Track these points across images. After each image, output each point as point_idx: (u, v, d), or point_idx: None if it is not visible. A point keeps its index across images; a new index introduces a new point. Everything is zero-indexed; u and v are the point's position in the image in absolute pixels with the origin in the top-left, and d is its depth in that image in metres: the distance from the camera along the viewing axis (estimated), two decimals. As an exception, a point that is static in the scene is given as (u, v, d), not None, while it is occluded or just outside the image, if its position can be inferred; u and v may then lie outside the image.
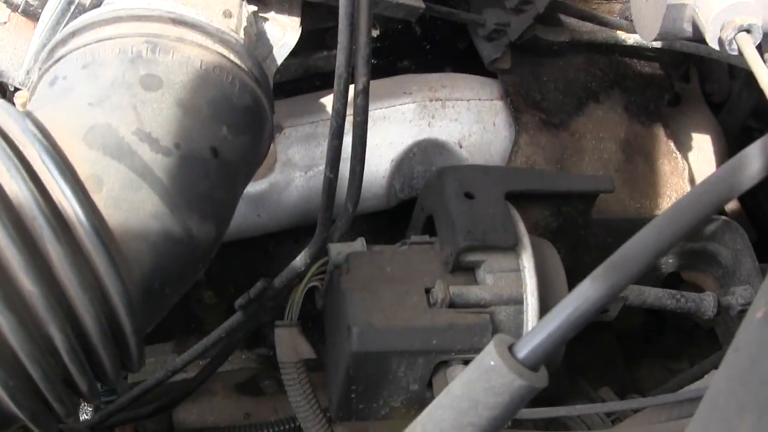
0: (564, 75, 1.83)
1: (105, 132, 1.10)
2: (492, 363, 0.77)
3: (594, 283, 0.76)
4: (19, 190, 0.99)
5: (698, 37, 1.40)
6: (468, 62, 1.89)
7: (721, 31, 1.34)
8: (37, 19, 1.54)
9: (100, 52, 1.20)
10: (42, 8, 1.52)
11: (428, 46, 1.97)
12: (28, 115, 1.09)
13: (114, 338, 1.07)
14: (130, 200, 1.09)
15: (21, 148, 1.03)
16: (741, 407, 0.63)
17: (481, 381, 0.79)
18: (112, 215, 1.06)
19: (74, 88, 1.17)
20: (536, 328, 0.78)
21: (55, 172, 1.02)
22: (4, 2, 1.56)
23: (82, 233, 1.01)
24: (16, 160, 1.01)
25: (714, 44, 1.34)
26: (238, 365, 1.78)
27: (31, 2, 1.53)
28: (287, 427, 1.62)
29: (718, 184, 0.77)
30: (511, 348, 0.78)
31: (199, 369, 1.67)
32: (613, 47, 1.84)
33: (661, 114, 1.86)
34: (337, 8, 1.41)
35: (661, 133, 1.85)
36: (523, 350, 0.77)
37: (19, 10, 1.55)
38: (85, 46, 1.22)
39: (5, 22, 1.57)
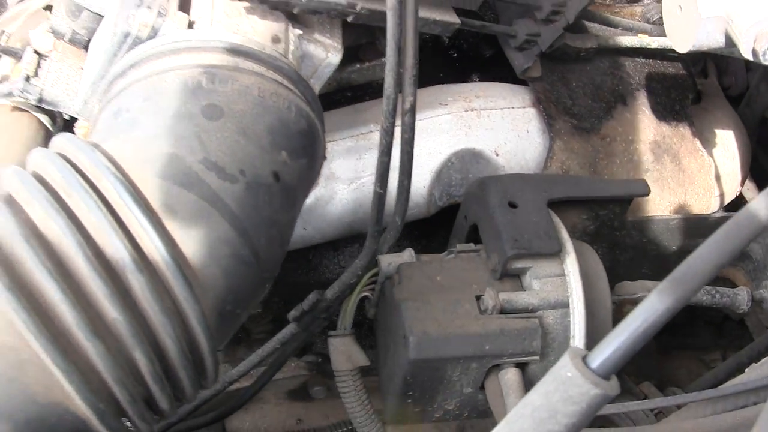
0: (592, 80, 1.88)
1: (173, 162, 1.12)
2: (569, 374, 0.81)
3: (661, 297, 0.80)
4: (98, 224, 1.02)
5: (730, 47, 1.45)
6: (494, 69, 1.95)
7: (754, 42, 1.38)
8: (83, 47, 1.58)
9: (161, 84, 1.22)
10: (88, 37, 1.56)
11: (455, 55, 2.02)
12: (97, 147, 1.11)
13: (192, 359, 1.10)
14: (201, 227, 1.11)
15: (95, 181, 1.06)
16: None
17: (559, 392, 0.83)
18: (185, 242, 1.09)
19: (139, 120, 1.19)
20: (607, 340, 0.82)
21: (132, 204, 1.05)
22: (51, 31, 1.58)
23: (161, 262, 1.04)
24: (93, 194, 1.04)
25: (748, 55, 1.39)
26: (289, 373, 1.81)
27: (78, 31, 1.56)
28: (346, 429, 1.67)
29: None
30: (584, 359, 0.82)
31: (250, 378, 1.68)
32: (638, 51, 1.89)
33: (687, 113, 1.92)
34: (372, 27, 1.48)
35: (687, 132, 1.90)
36: (596, 361, 0.81)
37: (66, 39, 1.58)
38: (145, 78, 1.25)
39: (51, 50, 1.61)
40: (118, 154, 1.12)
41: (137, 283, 1.02)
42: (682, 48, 1.50)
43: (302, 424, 1.75)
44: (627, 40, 1.88)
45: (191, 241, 1.10)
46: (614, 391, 0.82)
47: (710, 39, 1.47)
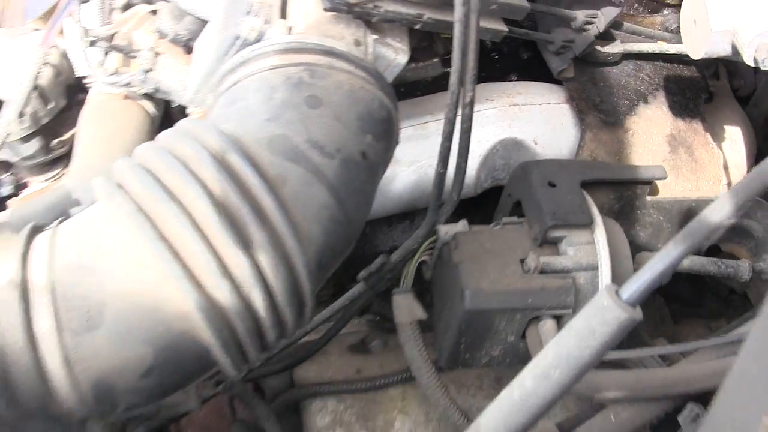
0: (617, 81, 2.02)
1: (283, 142, 1.23)
2: (605, 303, 0.99)
3: (676, 245, 0.99)
4: (225, 189, 1.13)
5: (736, 55, 1.60)
6: (530, 70, 2.10)
7: (756, 52, 1.55)
8: (182, 46, 1.74)
9: (270, 79, 1.35)
10: (188, 37, 1.73)
11: (496, 57, 2.16)
12: (218, 128, 1.22)
13: (296, 300, 1.20)
14: (306, 194, 1.22)
15: (222, 155, 1.17)
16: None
17: (597, 316, 1.00)
18: (294, 206, 1.19)
19: (253, 107, 1.30)
20: (634, 278, 1.01)
21: (252, 174, 1.16)
22: (156, 32, 1.75)
23: (276, 220, 1.15)
24: (219, 165, 1.15)
25: (750, 62, 1.55)
26: (350, 329, 1.91)
27: (179, 32, 1.74)
28: (399, 378, 1.76)
29: (759, 176, 1.04)
30: (617, 292, 1.00)
31: (316, 334, 1.79)
32: (658, 56, 2.03)
33: (699, 111, 2.04)
34: (431, 32, 1.62)
35: (699, 127, 2.02)
36: (626, 294, 1.00)
37: (168, 39, 1.75)
38: (256, 73, 1.38)
39: (152, 48, 1.77)
40: (237, 134, 1.22)
41: (258, 236, 1.13)
42: (696, 55, 1.66)
43: (361, 373, 1.81)
44: (648, 47, 2.01)
45: (299, 205, 1.20)
46: (638, 316, 0.99)
47: (719, 48, 1.62)
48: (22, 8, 2.21)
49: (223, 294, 1.11)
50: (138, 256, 1.11)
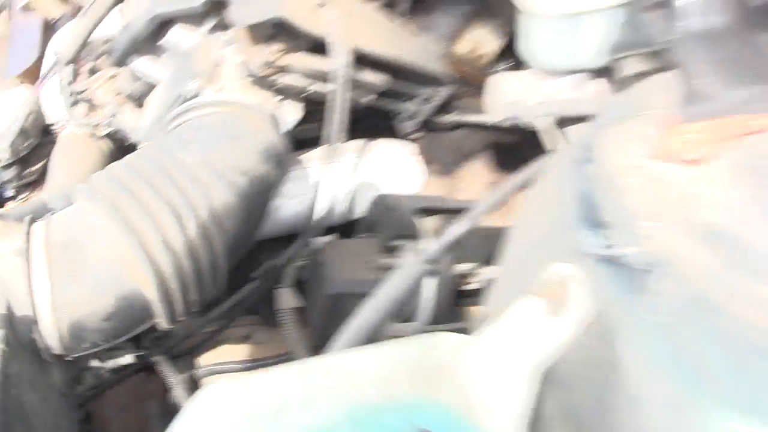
0: (453, 142, 2.33)
1: (213, 163, 1.48)
2: (410, 260, 1.42)
3: (460, 224, 1.42)
4: (173, 191, 1.39)
5: (523, 119, 2.05)
6: (388, 132, 2.32)
7: (532, 116, 2.03)
8: (134, 101, 2.17)
9: (204, 121, 1.64)
10: (140, 95, 2.13)
11: (362, 121, 2.33)
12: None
13: (214, 272, 1.44)
14: (228, 199, 1.47)
15: (169, 170, 1.42)
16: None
17: (405, 269, 1.36)
18: (216, 206, 1.44)
19: (191, 141, 1.55)
20: (436, 242, 1.39)
21: (190, 183, 1.40)
22: (116, 89, 2.18)
23: (204, 214, 1.40)
24: (168, 176, 1.40)
25: (530, 124, 2.03)
26: (242, 325, 2.08)
27: (134, 91, 2.15)
28: (280, 359, 1.98)
29: (509, 183, 1.49)
30: (421, 254, 1.40)
31: (216, 326, 2.03)
32: (484, 126, 2.30)
33: (516, 168, 2.08)
34: (317, 101, 1.98)
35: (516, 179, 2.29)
36: (425, 255, 1.41)
37: (124, 95, 2.16)
38: (195, 118, 1.65)
39: (109, 102, 2.22)
40: (185, 158, 1.47)
41: (191, 224, 1.38)
42: (494, 119, 2.07)
43: (250, 357, 1.99)
44: (476, 118, 2.31)
45: (219, 206, 1.45)
46: (429, 268, 1.40)
47: (510, 113, 2.03)
48: (1, 67, 2.67)
49: (165, 262, 1.34)
50: (109, 235, 1.35)
